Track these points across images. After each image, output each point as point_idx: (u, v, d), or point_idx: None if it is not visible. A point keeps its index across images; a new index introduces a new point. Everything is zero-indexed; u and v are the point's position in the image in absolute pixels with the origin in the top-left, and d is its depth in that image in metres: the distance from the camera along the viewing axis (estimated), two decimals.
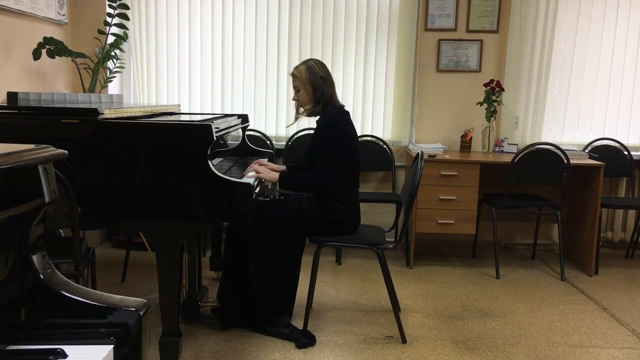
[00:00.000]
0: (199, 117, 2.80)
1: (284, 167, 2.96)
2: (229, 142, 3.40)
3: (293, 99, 2.87)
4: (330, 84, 2.81)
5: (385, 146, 4.37)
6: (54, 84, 3.93)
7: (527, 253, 4.42)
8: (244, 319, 2.81)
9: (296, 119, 2.95)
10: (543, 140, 4.27)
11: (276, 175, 2.72)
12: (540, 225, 4.36)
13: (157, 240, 2.23)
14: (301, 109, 2.88)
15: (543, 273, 3.93)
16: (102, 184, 2.15)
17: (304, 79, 2.76)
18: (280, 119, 4.39)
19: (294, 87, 2.82)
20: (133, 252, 3.62)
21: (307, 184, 2.77)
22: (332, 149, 2.71)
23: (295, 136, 4.34)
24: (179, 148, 2.14)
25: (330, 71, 2.84)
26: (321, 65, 2.81)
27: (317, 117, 2.85)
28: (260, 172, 2.69)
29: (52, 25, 3.88)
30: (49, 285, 1.30)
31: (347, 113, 2.85)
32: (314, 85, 2.75)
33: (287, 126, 4.16)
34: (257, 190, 2.46)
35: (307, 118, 3.03)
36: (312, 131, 3.14)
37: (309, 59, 2.83)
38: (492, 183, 4.08)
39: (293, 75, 2.80)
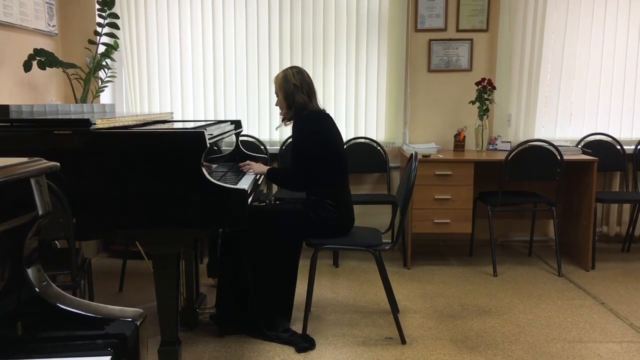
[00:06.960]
0: (192, 125, 2.81)
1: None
2: (223, 148, 3.40)
3: (275, 105, 3.01)
4: (306, 92, 2.86)
5: (379, 148, 4.37)
6: (45, 95, 3.92)
7: (523, 250, 4.43)
8: (243, 325, 2.82)
9: (284, 124, 3.03)
10: (536, 137, 4.29)
11: (265, 168, 2.94)
12: (536, 222, 4.36)
13: (153, 248, 2.23)
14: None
15: (540, 269, 3.94)
16: (97, 194, 2.15)
17: (278, 86, 2.89)
18: (273, 123, 4.39)
19: (275, 94, 2.96)
20: (130, 262, 3.60)
21: (284, 177, 2.99)
22: (300, 149, 2.82)
23: (289, 140, 4.34)
24: (173, 156, 2.14)
25: (310, 79, 2.91)
26: (298, 73, 2.88)
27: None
28: (252, 167, 2.95)
29: (42, 36, 3.87)
30: (44, 298, 1.29)
31: (326, 115, 2.92)
32: (286, 92, 2.86)
33: (276, 128, 4.20)
34: (252, 196, 2.47)
35: None
36: None
37: (289, 67, 2.94)
38: (486, 181, 4.08)
39: (274, 82, 2.94)
